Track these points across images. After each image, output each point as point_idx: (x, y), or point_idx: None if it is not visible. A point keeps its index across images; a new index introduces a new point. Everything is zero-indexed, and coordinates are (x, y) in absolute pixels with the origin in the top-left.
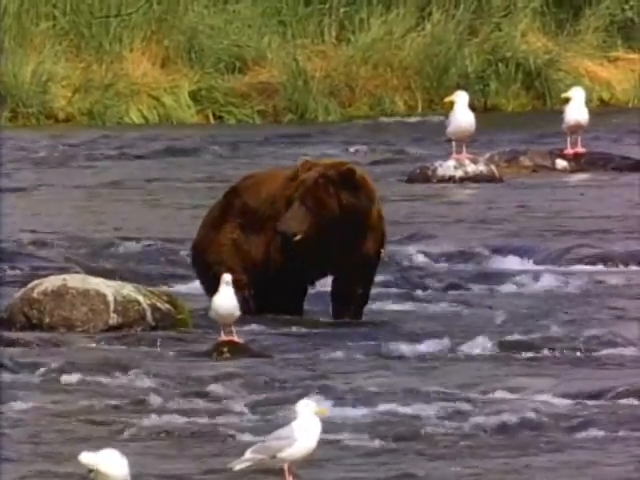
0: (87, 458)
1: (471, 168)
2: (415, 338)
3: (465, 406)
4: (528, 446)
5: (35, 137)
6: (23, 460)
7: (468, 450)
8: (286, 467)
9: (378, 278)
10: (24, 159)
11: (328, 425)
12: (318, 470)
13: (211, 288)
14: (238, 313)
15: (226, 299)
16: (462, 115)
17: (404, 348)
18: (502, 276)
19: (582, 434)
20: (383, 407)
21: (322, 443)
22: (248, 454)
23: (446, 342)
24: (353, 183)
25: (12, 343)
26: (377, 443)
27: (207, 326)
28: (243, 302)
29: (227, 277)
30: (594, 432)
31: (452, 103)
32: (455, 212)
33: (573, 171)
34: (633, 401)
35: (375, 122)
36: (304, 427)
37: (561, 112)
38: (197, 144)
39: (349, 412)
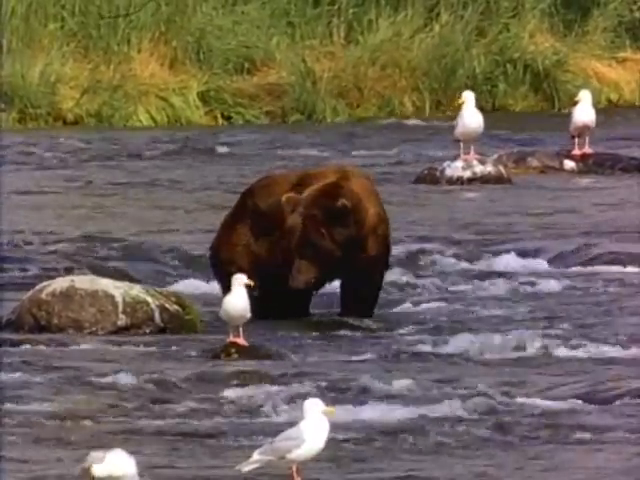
0: (99, 470)
1: (479, 169)
2: (420, 338)
3: (466, 406)
4: (529, 446)
5: (43, 138)
6: (26, 460)
7: (469, 450)
8: (294, 468)
9: (386, 278)
10: (32, 160)
11: (335, 425)
12: (325, 470)
13: (225, 288)
14: (249, 315)
15: (237, 300)
16: (470, 116)
17: (409, 348)
18: (509, 276)
19: (583, 434)
20: (389, 407)
21: (329, 443)
22: (256, 455)
23: (449, 342)
24: (340, 214)
25: (20, 344)
26: (383, 443)
27: (215, 327)
28: (252, 302)
29: (239, 278)
30: (595, 432)
31: (461, 104)
32: (463, 213)
33: (581, 172)
34: (636, 401)
35: (383, 123)
36: (312, 427)
37: (569, 113)
38: (206, 145)
39: (356, 412)
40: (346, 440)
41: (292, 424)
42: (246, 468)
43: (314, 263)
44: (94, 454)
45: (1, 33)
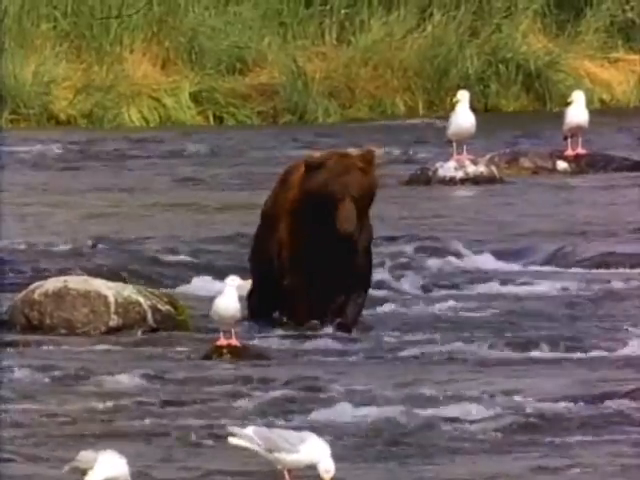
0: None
1: (471, 169)
2: (414, 339)
3: (464, 407)
4: (527, 447)
5: (36, 139)
6: (23, 461)
7: (467, 451)
8: (286, 470)
9: (377, 279)
10: (24, 161)
11: (327, 427)
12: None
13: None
14: (239, 315)
15: (228, 301)
16: (463, 116)
17: (404, 349)
18: (502, 277)
19: (582, 434)
20: (383, 409)
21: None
22: (250, 431)
23: (445, 343)
24: None
25: (13, 344)
26: (376, 445)
27: (207, 328)
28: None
29: (231, 279)
30: (594, 432)
31: (455, 103)
32: (455, 213)
33: (574, 172)
34: (633, 401)
35: (375, 123)
36: (312, 443)
37: (562, 113)
38: (198, 145)
39: (349, 414)
40: (338, 442)
41: (284, 426)
42: (235, 441)
43: None
44: (84, 453)
45: None
